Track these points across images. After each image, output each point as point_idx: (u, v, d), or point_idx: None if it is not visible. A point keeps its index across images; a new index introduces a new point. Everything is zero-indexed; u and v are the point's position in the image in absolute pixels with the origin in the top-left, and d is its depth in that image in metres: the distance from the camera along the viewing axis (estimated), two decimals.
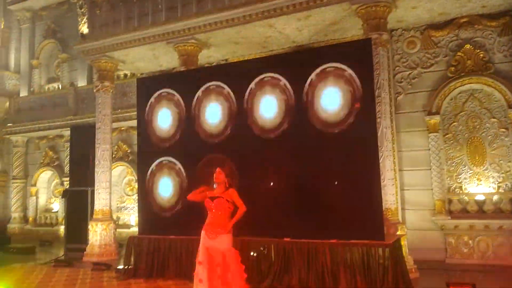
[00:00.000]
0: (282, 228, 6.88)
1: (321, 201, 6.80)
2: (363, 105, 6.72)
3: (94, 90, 10.55)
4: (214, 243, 4.96)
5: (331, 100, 6.93)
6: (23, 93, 15.07)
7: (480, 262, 7.85)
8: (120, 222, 12.45)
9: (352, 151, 6.70)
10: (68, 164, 12.77)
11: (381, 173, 7.00)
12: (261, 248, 7.08)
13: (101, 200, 10.01)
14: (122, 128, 12.88)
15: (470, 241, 8.09)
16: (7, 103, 15.09)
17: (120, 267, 8.07)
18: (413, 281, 6.39)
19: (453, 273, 6.97)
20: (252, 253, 7.12)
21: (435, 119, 8.60)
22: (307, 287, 6.38)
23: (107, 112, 10.35)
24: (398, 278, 6.00)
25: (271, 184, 7.28)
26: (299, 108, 7.12)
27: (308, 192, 6.84)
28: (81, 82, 13.84)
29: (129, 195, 12.86)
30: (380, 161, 7.14)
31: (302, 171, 6.97)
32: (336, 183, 6.77)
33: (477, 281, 6.11)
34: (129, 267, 7.88)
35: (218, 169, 5.21)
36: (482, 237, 8.01)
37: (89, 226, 9.91)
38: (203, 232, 5.08)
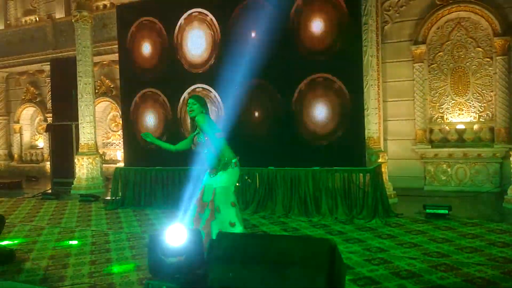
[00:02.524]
0: (265, 158, 6.98)
1: (304, 130, 6.88)
2: (350, 32, 6.62)
3: (73, 20, 10.17)
4: (211, 181, 4.24)
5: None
6: (0, 26, 14.47)
7: (457, 189, 8.15)
8: (107, 158, 12.52)
9: (336, 79, 6.67)
10: (50, 100, 12.57)
11: (365, 102, 7.04)
12: (246, 177, 7.21)
13: (86, 134, 9.97)
14: (104, 62, 12.58)
15: (449, 169, 8.34)
16: None
17: (108, 198, 8.20)
18: (392, 206, 6.65)
19: (430, 199, 7.23)
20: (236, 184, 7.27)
21: (421, 49, 8.54)
22: (290, 211, 6.59)
23: (87, 44, 10.04)
24: (377, 202, 6.22)
25: (256, 114, 7.30)
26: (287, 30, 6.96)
27: (292, 121, 6.89)
28: (59, 14, 13.28)
29: (114, 131, 12.83)
30: (365, 90, 7.16)
31: (286, 100, 6.97)
32: (320, 112, 6.80)
33: (453, 205, 6.36)
34: (117, 197, 8.01)
35: (190, 100, 4.38)
36: (461, 165, 8.26)
37: (75, 160, 9.95)
38: (207, 171, 4.35)
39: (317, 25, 6.86)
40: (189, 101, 4.40)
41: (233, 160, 4.22)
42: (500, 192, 7.43)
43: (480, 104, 8.28)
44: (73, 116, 10.29)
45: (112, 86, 12.60)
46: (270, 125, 7.18)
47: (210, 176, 4.27)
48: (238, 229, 4.16)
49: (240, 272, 3.29)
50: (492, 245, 4.67)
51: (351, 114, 6.63)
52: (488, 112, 8.22)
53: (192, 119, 4.38)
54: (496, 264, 4.09)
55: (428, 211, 6.09)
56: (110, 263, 4.62)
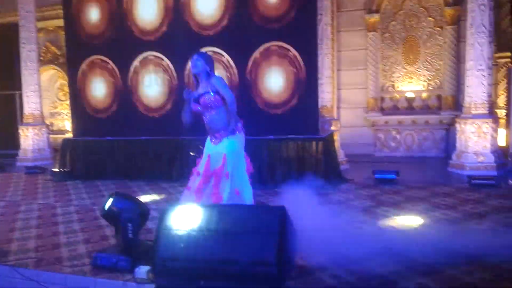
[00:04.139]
0: None
1: (259, 99, 6.83)
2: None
3: None
4: (217, 148, 3.92)
5: None
6: None
7: (406, 154, 8.45)
8: (55, 128, 12.01)
9: (291, 47, 6.61)
10: None
11: (319, 72, 7.06)
12: (200, 147, 7.11)
13: (30, 104, 9.50)
14: (50, 28, 11.87)
15: (398, 136, 8.61)
16: None
17: (56, 170, 7.89)
18: (343, 172, 6.81)
19: (379, 164, 7.45)
20: (191, 153, 7.18)
21: (375, 17, 8.61)
22: None
23: (31, 8, 9.46)
24: (329, 169, 6.35)
25: None
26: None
27: (247, 90, 6.81)
28: None
29: (62, 100, 12.26)
30: (319, 59, 7.16)
31: (240, 69, 6.87)
32: (274, 80, 6.76)
33: (401, 170, 6.59)
34: (65, 169, 7.73)
35: (194, 56, 3.97)
36: (409, 132, 8.54)
37: (20, 131, 9.48)
38: (207, 140, 4.04)
39: None
40: (193, 57, 3.99)
41: (239, 124, 3.99)
42: (446, 157, 7.76)
43: (429, 73, 8.51)
44: (17, 84, 9.76)
45: (58, 53, 11.94)
46: None
47: (213, 142, 3.95)
48: (248, 195, 3.93)
49: (190, 242, 3.27)
50: (436, 208, 4.89)
51: (305, 83, 6.63)
52: (436, 80, 8.47)
53: (195, 76, 3.98)
54: (439, 226, 4.28)
55: (377, 176, 6.28)
56: (58, 236, 4.48)
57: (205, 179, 3.93)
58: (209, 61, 4.00)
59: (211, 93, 3.85)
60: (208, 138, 4.01)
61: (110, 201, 3.62)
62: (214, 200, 3.85)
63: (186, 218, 3.43)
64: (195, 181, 3.99)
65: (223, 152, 3.88)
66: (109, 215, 3.67)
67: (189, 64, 4.12)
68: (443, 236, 3.93)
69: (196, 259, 3.20)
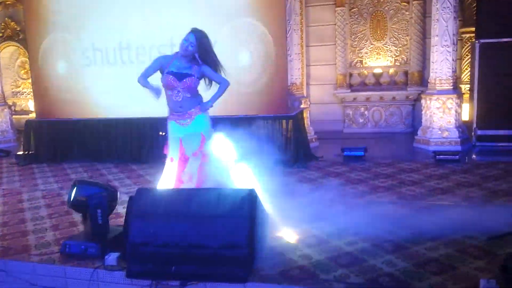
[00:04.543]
0: None
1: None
2: None
3: None
4: (189, 128, 3.79)
5: None
6: None
7: (373, 130, 8.59)
8: (17, 108, 11.56)
9: (258, 24, 6.52)
10: None
11: (287, 48, 7.01)
12: (162, 133, 6.88)
13: None
14: (8, 3, 11.29)
15: (366, 112, 8.73)
16: None
17: (20, 153, 7.65)
18: (313, 149, 6.89)
19: (348, 141, 7.56)
20: (160, 133, 7.08)
21: None
22: None
23: None
24: (299, 147, 6.40)
25: None
26: None
27: None
28: None
29: (24, 79, 11.78)
30: (288, 35, 7.10)
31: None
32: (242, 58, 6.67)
33: (369, 146, 6.73)
34: (30, 152, 7.51)
35: (189, 35, 3.70)
36: (377, 108, 8.66)
37: None
38: (170, 123, 3.84)
39: None
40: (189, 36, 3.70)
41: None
42: (412, 132, 7.94)
43: (396, 49, 8.59)
44: None
45: (18, 29, 11.39)
46: None
47: (183, 124, 3.78)
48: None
49: (161, 226, 3.27)
50: (403, 184, 5.03)
51: (275, 60, 6.58)
52: (403, 56, 8.56)
53: (185, 56, 3.71)
54: (405, 202, 4.42)
55: (346, 153, 6.38)
56: (24, 223, 4.38)
57: (182, 163, 3.80)
58: (202, 43, 3.71)
59: (196, 78, 3.74)
60: (173, 122, 3.82)
61: (74, 191, 3.55)
62: (197, 184, 3.76)
63: (156, 202, 3.41)
64: (171, 168, 3.84)
65: (200, 131, 3.78)
66: (76, 205, 3.61)
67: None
68: (409, 213, 4.07)
69: (167, 244, 3.21)
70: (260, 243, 3.30)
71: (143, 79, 3.77)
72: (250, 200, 3.27)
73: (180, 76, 3.71)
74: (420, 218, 3.88)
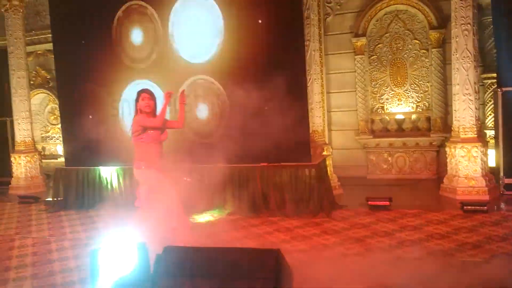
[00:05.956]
0: (214, 155, 6.92)
1: (250, 126, 6.86)
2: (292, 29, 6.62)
3: (2, 10, 9.50)
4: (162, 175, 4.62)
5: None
6: None
7: (397, 176, 8.52)
8: (47, 153, 11.93)
9: (280, 76, 6.67)
10: None
11: (309, 97, 7.14)
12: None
13: (22, 131, 9.47)
14: (39, 52, 11.87)
15: (389, 158, 8.70)
16: None
17: (49, 199, 7.85)
18: (336, 197, 6.86)
19: (372, 188, 7.51)
20: (185, 179, 7.18)
21: (362, 41, 8.75)
22: (239, 208, 6.62)
23: (19, 35, 9.47)
24: (322, 195, 6.38)
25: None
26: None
27: (237, 118, 6.85)
28: None
29: (53, 124, 12.21)
30: (308, 84, 7.26)
31: (230, 98, 6.92)
32: (266, 108, 6.80)
33: (394, 194, 6.65)
34: (59, 199, 7.70)
35: (146, 96, 4.63)
36: (400, 154, 8.63)
37: (12, 159, 9.42)
38: (151, 171, 4.57)
39: None
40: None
41: None
42: (437, 179, 7.84)
43: (417, 95, 8.65)
44: (7, 110, 9.72)
45: (48, 77, 11.93)
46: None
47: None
48: None
49: (187, 286, 3.28)
50: (430, 238, 4.94)
51: (296, 109, 6.68)
52: (425, 102, 8.60)
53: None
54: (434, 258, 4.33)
55: (371, 203, 6.32)
56: (53, 276, 4.46)
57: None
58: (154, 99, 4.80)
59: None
60: (152, 171, 4.57)
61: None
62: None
63: (182, 262, 3.44)
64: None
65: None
66: None
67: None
68: (439, 270, 3.99)
69: None
70: None
71: None
72: (275, 260, 3.26)
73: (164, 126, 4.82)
74: (451, 276, 3.79)
